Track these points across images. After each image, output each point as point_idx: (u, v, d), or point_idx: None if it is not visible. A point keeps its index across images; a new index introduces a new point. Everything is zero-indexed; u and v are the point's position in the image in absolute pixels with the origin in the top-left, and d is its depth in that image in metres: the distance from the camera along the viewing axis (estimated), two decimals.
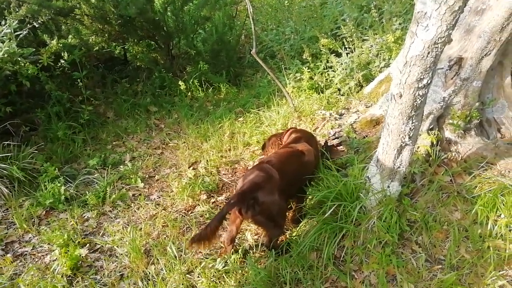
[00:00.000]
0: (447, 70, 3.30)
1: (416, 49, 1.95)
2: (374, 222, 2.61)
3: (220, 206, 3.41)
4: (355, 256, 2.62)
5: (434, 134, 3.26)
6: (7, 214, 3.32)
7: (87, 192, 3.53)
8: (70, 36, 4.60)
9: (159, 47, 5.96)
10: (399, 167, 2.59)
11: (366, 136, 3.85)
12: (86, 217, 3.35)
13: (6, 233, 3.15)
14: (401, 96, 2.13)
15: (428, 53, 1.93)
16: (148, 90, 5.67)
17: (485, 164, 3.21)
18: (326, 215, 2.58)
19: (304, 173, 2.90)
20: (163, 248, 2.89)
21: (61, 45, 4.41)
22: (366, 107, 4.30)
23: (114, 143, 4.56)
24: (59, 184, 3.45)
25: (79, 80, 4.44)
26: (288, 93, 4.45)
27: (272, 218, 2.48)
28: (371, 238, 2.57)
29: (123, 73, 6.14)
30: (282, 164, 2.60)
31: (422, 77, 2.01)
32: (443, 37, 1.88)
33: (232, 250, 2.76)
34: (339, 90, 4.94)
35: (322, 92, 4.94)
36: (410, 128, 2.29)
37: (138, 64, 6.20)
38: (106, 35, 5.10)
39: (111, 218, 3.34)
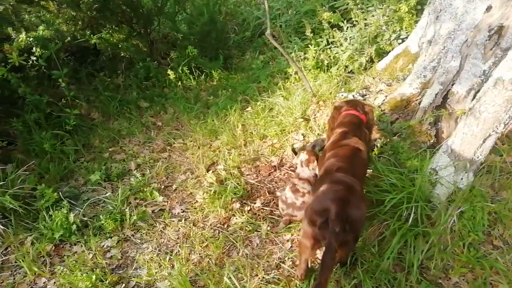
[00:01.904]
0: (486, 40, 3.06)
1: None
2: (455, 220, 2.36)
3: (258, 215, 3.02)
4: (436, 261, 2.36)
5: None
6: (8, 255, 2.71)
7: (100, 215, 2.98)
8: (41, 28, 3.82)
9: (137, 33, 5.25)
10: (478, 157, 2.33)
11: (398, 119, 3.57)
12: (105, 246, 2.82)
13: (14, 282, 2.56)
14: None
15: None
16: (132, 83, 5.01)
17: None
18: (410, 222, 2.27)
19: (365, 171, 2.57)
20: (212, 275, 2.48)
21: (31, 38, 3.65)
22: (388, 86, 4.01)
23: (110, 149, 3.92)
24: (65, 211, 2.88)
25: (60, 80, 3.71)
26: (305, 75, 4.03)
27: (357, 233, 2.14)
28: (456, 240, 2.31)
29: (97, 65, 5.37)
30: (354, 168, 2.23)
31: None
32: None
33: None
34: (346, 67, 4.61)
35: (328, 71, 4.59)
36: (510, 116, 2.01)
37: (113, 53, 5.45)
38: (79, 22, 4.34)
39: (137, 244, 2.84)
